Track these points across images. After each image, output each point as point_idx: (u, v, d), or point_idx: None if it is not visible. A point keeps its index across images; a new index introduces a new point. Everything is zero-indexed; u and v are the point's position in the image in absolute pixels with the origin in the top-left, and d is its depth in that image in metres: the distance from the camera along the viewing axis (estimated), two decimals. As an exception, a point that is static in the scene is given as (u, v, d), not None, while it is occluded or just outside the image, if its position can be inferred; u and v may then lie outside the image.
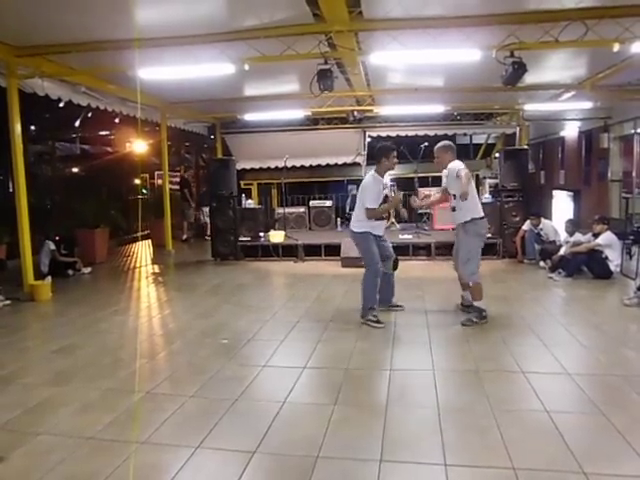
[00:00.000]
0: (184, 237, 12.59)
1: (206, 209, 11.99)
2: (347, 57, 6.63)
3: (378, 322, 4.95)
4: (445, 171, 5.04)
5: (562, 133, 12.89)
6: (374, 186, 5.04)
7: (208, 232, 11.94)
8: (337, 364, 3.92)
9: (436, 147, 5.18)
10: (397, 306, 5.51)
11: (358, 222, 5.15)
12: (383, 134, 12.65)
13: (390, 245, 5.44)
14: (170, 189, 11.74)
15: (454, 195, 4.88)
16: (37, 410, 3.26)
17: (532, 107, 10.71)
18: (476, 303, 4.94)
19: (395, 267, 5.50)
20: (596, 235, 6.93)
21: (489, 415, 2.99)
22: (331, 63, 6.08)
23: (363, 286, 5.12)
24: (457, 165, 4.81)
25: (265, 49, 5.90)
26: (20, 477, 2.52)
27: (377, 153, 5.17)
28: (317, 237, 9.94)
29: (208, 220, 11.93)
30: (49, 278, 7.06)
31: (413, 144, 10.75)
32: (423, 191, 11.76)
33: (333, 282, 7.17)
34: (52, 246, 7.84)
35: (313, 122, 12.35)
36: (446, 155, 5.03)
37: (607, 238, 6.76)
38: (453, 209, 5.03)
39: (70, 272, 8.00)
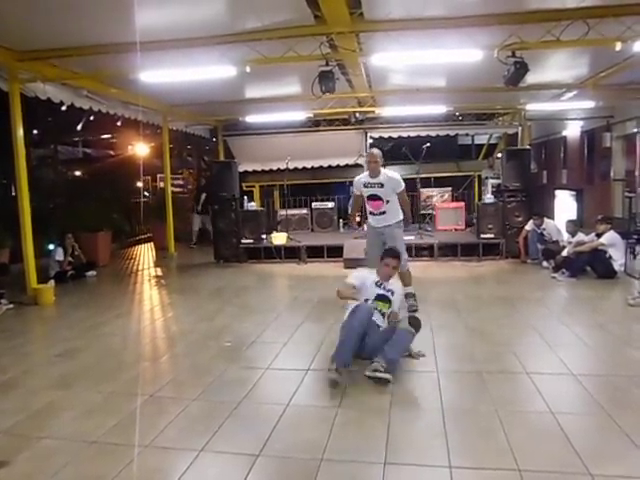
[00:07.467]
0: None
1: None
2: (348, 58, 6.63)
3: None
4: (380, 177, 5.26)
5: (564, 133, 12.85)
6: None
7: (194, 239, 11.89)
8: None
9: (377, 152, 5.34)
10: None
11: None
12: (385, 135, 12.64)
13: None
14: (172, 192, 11.76)
15: (387, 201, 5.31)
16: (41, 414, 3.26)
17: (534, 107, 10.68)
18: (411, 288, 5.44)
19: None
20: (599, 235, 6.90)
21: (494, 417, 2.98)
22: (332, 64, 6.07)
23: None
24: (398, 176, 5.30)
25: (266, 51, 5.91)
26: (24, 481, 2.52)
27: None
28: (319, 239, 9.93)
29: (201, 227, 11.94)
30: (52, 282, 7.06)
31: (415, 145, 10.75)
32: (425, 192, 11.75)
33: (336, 284, 7.07)
34: (60, 254, 7.88)
35: (315, 124, 12.35)
36: (380, 161, 5.33)
37: (610, 237, 6.74)
38: (383, 213, 5.38)
39: (68, 275, 7.94)
